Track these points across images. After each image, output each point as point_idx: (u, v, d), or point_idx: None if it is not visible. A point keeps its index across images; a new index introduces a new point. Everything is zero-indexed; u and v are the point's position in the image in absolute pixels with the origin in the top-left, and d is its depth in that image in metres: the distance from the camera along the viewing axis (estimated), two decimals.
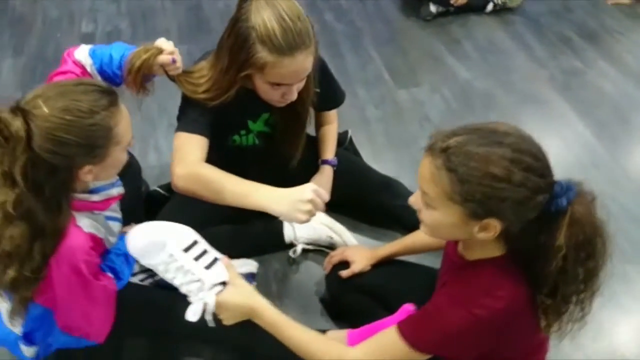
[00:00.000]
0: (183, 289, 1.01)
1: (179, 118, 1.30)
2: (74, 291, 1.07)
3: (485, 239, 0.88)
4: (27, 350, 1.21)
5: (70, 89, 0.97)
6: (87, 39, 2.53)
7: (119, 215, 1.28)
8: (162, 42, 1.21)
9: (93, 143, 0.99)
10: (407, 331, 0.94)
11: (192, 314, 0.98)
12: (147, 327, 1.33)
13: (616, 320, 1.47)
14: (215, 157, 1.60)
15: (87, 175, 1.02)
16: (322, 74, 1.47)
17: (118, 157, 1.07)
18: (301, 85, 1.26)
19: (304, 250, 1.60)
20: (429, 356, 0.94)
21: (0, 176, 0.95)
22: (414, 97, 2.25)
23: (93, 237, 1.09)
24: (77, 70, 1.24)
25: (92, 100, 0.97)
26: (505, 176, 0.82)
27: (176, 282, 1.01)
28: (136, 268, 1.33)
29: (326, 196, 1.12)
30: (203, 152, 1.25)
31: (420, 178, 0.91)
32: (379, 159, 1.91)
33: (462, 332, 0.89)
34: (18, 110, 0.92)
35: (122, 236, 1.16)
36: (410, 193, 1.05)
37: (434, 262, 1.24)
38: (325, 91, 1.48)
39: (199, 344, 1.38)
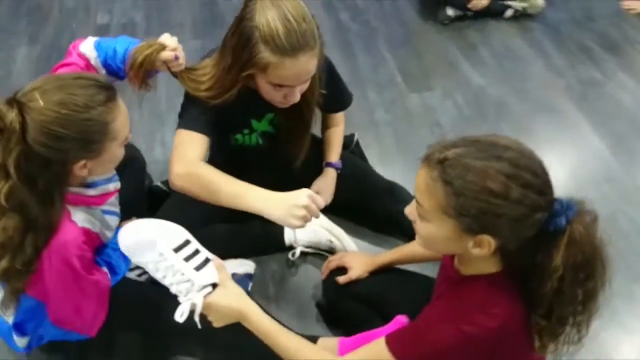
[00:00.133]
0: (172, 289, 1.00)
1: (180, 115, 1.29)
2: (66, 285, 1.07)
3: (479, 255, 0.86)
4: (19, 341, 1.22)
5: (68, 82, 0.97)
6: (102, 30, 2.54)
7: (117, 209, 1.27)
8: (166, 38, 1.20)
9: (88, 138, 0.98)
10: (395, 344, 0.92)
11: (179, 315, 0.97)
12: (140, 323, 1.33)
13: (619, 339, 1.43)
14: (218, 156, 1.60)
15: (82, 169, 1.02)
16: (328, 75, 1.45)
17: (114, 153, 1.06)
18: (304, 87, 1.24)
19: (303, 253, 1.59)
20: None
21: None
22: (426, 102, 2.21)
23: (87, 232, 1.08)
24: (82, 63, 1.23)
25: (89, 94, 0.96)
26: (503, 192, 0.79)
27: (166, 282, 1.00)
28: (133, 263, 1.33)
29: (322, 202, 1.10)
30: (203, 150, 1.24)
31: (415, 189, 0.88)
32: (386, 164, 1.88)
33: (450, 349, 0.87)
34: (14, 102, 0.92)
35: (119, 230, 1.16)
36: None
37: (433, 271, 1.22)
38: (332, 93, 1.45)
39: (191, 343, 1.37)
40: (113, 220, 1.24)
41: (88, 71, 1.24)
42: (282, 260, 1.60)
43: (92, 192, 1.12)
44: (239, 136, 1.46)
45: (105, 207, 1.20)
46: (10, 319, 1.17)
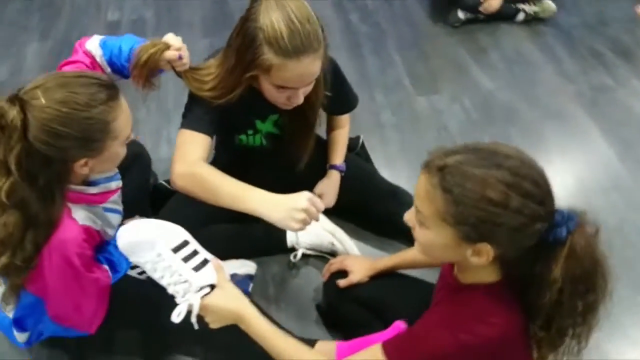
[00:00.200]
0: (170, 289, 1.00)
1: (184, 115, 1.29)
2: (65, 282, 1.08)
3: (478, 264, 0.85)
4: (19, 336, 1.22)
5: (70, 80, 0.97)
6: (112, 26, 2.56)
7: (119, 207, 1.28)
8: (170, 38, 1.20)
9: (89, 137, 0.98)
10: (391, 350, 0.91)
11: (176, 315, 0.97)
12: (140, 321, 1.33)
13: (623, 350, 1.41)
14: (223, 156, 1.61)
15: (83, 168, 1.02)
16: (334, 77, 1.44)
17: (116, 151, 1.06)
18: (308, 89, 1.24)
19: (305, 255, 1.58)
20: None
21: None
22: (433, 105, 2.20)
23: (87, 230, 1.09)
24: (87, 61, 1.24)
25: (90, 93, 0.96)
26: (502, 201, 0.78)
27: (163, 282, 1.00)
28: None
29: (322, 206, 1.10)
30: (205, 151, 1.24)
31: (415, 195, 0.88)
32: (391, 167, 1.87)
33: (446, 357, 0.86)
34: (16, 99, 0.93)
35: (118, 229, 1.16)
36: None
37: (435, 277, 1.21)
38: (337, 95, 1.45)
39: (190, 342, 1.37)
40: (115, 218, 1.25)
41: (93, 69, 1.24)
42: (283, 261, 1.59)
43: (93, 190, 1.12)
44: (243, 136, 1.46)
45: (107, 205, 1.20)
46: (10, 314, 1.17)
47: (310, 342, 1.19)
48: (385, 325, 1.20)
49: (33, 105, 0.93)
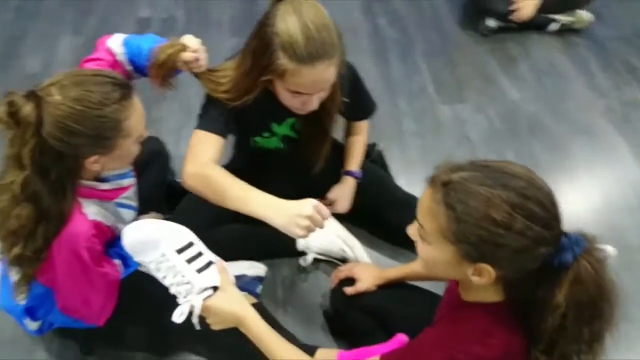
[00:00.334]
0: (172, 290, 1.01)
1: (199, 115, 1.30)
2: (74, 276, 1.10)
3: (479, 283, 0.83)
4: (31, 324, 1.26)
5: (85, 79, 0.99)
6: (143, 24, 2.60)
7: (133, 203, 1.30)
8: (188, 39, 1.21)
9: (100, 134, 1.00)
10: None
11: (177, 315, 0.98)
12: (148, 317, 1.35)
13: None
14: (240, 157, 1.62)
15: (94, 164, 1.04)
16: (352, 83, 1.44)
17: (127, 149, 1.08)
18: (323, 95, 1.23)
19: (315, 260, 1.58)
20: None
21: (11, 158, 0.98)
22: (457, 114, 2.16)
23: (97, 225, 1.11)
24: (108, 58, 1.26)
25: (104, 92, 0.98)
26: (505, 222, 0.76)
27: (166, 282, 1.01)
28: None
29: (327, 213, 1.09)
30: (217, 152, 1.25)
31: (418, 210, 0.86)
32: (409, 175, 1.85)
33: None
34: (32, 95, 0.95)
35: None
36: None
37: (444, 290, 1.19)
38: (355, 101, 1.44)
39: (193, 342, 1.38)
40: (128, 214, 1.27)
41: (114, 67, 1.26)
42: (293, 265, 1.59)
43: (104, 186, 1.14)
44: (258, 139, 1.47)
45: (120, 201, 1.22)
46: (22, 303, 1.21)
47: (312, 349, 1.19)
48: (390, 335, 1.19)
49: (48, 102, 0.95)
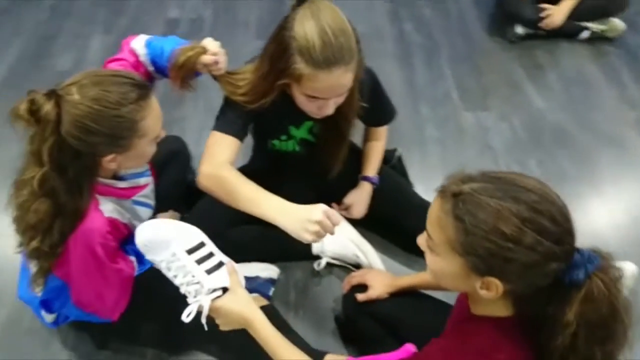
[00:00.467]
0: (182, 289, 1.02)
1: (217, 117, 1.31)
2: (88, 271, 1.12)
3: (487, 297, 0.81)
4: (47, 316, 1.29)
5: (104, 79, 1.01)
6: (172, 24, 2.64)
7: (150, 201, 1.32)
8: (208, 42, 1.22)
9: (117, 134, 1.02)
10: None
11: (186, 315, 0.99)
12: (161, 314, 1.37)
13: None
14: (258, 159, 1.63)
15: (111, 163, 1.06)
16: (372, 89, 1.43)
17: (144, 149, 1.10)
18: (340, 100, 1.23)
19: (329, 264, 1.58)
20: None
21: (31, 154, 1.01)
22: (480, 122, 2.13)
23: (113, 222, 1.13)
24: (131, 59, 1.29)
25: (122, 92, 1.00)
26: (515, 236, 0.74)
27: (177, 282, 1.02)
28: None
29: (338, 219, 1.08)
30: (233, 153, 1.26)
31: (427, 220, 0.85)
32: (428, 182, 1.83)
33: None
34: (53, 94, 0.97)
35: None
36: None
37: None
38: (373, 107, 1.43)
39: (205, 341, 1.39)
40: (145, 212, 1.29)
41: (137, 67, 1.28)
42: (307, 268, 1.59)
43: (122, 184, 1.16)
44: (275, 141, 1.47)
45: (137, 199, 1.24)
46: (39, 295, 1.24)
47: (320, 354, 1.19)
48: (400, 344, 1.17)
49: (67, 101, 0.97)
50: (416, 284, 1.32)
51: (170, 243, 1.01)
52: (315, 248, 1.57)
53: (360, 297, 1.34)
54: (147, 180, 1.24)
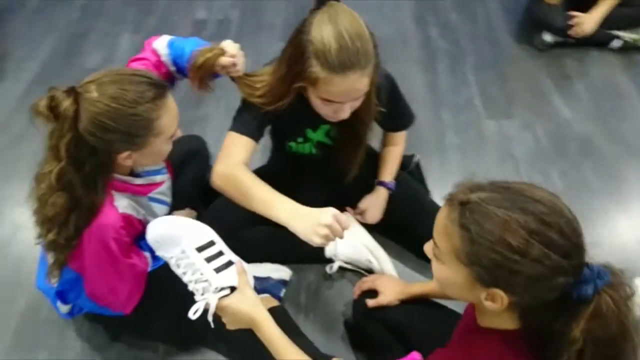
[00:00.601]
0: (190, 287, 1.03)
1: (234, 118, 1.33)
2: (102, 265, 1.15)
3: (492, 309, 0.80)
4: (62, 307, 1.32)
5: (123, 77, 1.03)
6: (199, 25, 2.68)
7: (167, 198, 1.34)
8: (227, 44, 1.24)
9: (133, 132, 1.04)
10: None
11: (192, 312, 1.01)
12: (172, 310, 1.38)
13: None
14: (276, 160, 1.64)
15: (127, 160, 1.08)
16: (390, 94, 1.43)
17: (159, 147, 1.12)
18: (356, 104, 1.23)
19: (342, 268, 1.57)
20: None
21: (50, 149, 1.04)
22: (502, 130, 2.10)
23: (127, 218, 1.15)
24: (153, 59, 1.31)
25: (138, 91, 1.02)
26: (521, 248, 0.73)
27: (185, 279, 1.04)
28: None
29: (347, 224, 1.08)
30: (248, 154, 1.27)
31: (434, 228, 0.84)
32: (446, 189, 1.75)
33: None
34: (72, 91, 1.00)
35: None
36: None
37: None
38: (391, 112, 1.43)
39: (214, 339, 1.41)
40: (160, 209, 1.31)
41: (158, 67, 1.31)
42: (319, 271, 1.59)
43: (138, 181, 1.19)
44: (292, 144, 1.48)
45: (153, 196, 1.27)
46: (55, 286, 1.27)
47: (326, 358, 1.19)
48: (408, 351, 1.16)
49: (86, 98, 1.00)
50: (427, 292, 1.31)
51: (180, 240, 1.02)
52: (328, 251, 1.56)
53: (371, 303, 1.33)
54: (163, 177, 1.26)
